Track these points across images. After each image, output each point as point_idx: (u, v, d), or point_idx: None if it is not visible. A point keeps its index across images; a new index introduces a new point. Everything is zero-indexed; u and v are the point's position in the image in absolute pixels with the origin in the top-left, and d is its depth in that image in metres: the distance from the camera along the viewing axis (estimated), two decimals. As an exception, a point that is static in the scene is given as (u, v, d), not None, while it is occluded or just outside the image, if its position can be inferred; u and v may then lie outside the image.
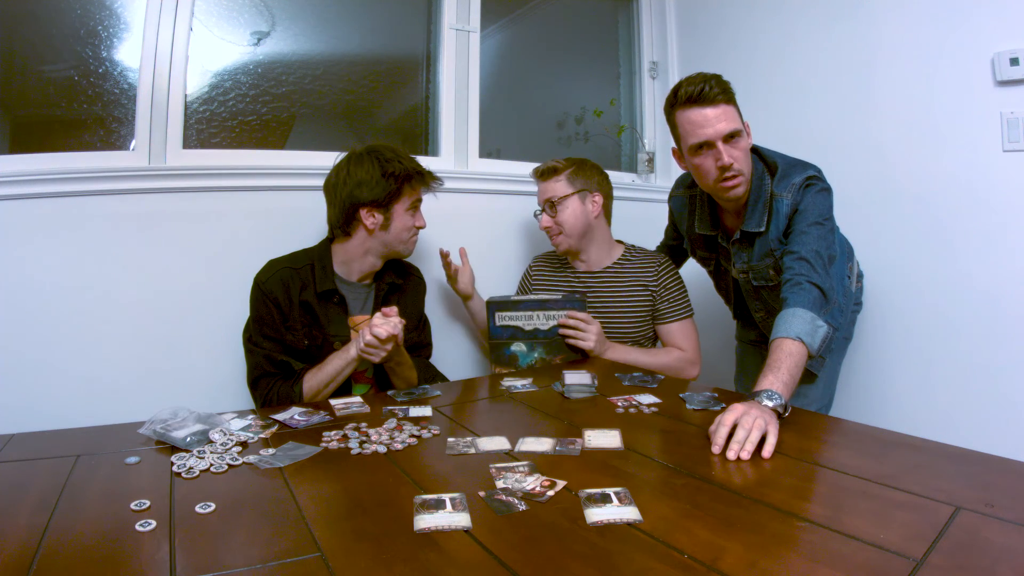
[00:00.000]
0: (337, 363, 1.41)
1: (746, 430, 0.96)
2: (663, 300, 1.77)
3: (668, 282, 1.78)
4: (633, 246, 1.88)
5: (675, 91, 1.38)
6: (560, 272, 1.90)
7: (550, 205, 1.81)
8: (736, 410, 1.01)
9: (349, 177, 1.51)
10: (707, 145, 1.36)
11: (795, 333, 1.19)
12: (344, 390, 1.47)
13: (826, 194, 1.40)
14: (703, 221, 1.59)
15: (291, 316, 1.47)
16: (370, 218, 1.52)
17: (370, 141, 1.58)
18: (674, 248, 1.91)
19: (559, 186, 1.80)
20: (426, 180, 1.59)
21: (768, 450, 0.95)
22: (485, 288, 1.97)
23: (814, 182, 1.39)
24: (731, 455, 0.94)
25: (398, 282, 1.64)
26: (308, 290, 1.50)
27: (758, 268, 1.50)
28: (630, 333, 1.79)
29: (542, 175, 1.85)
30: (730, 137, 1.35)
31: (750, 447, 0.94)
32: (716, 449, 0.97)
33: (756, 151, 1.47)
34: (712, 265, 1.70)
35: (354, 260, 1.57)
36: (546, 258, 1.97)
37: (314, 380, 1.42)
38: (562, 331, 1.67)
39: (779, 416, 1.05)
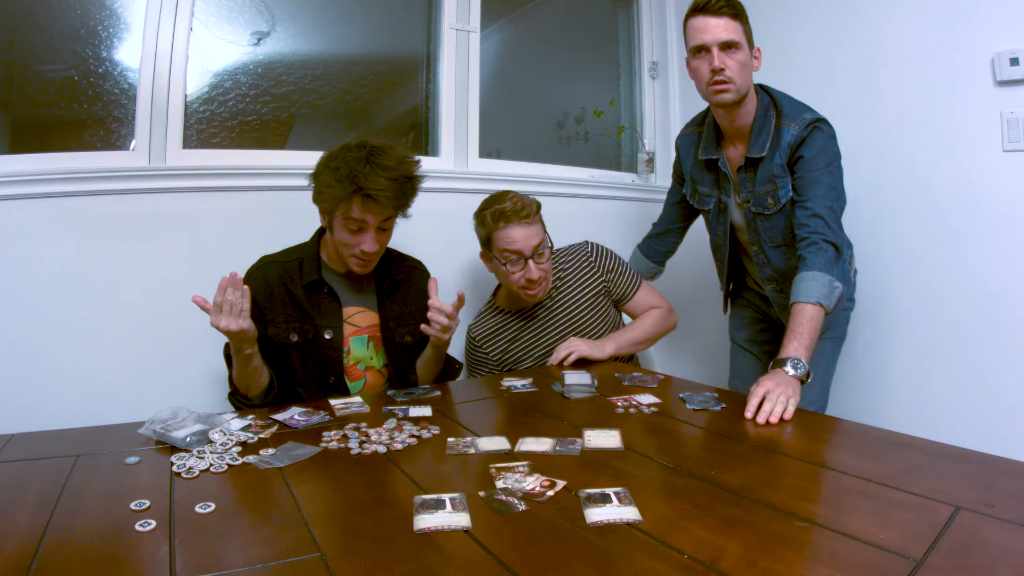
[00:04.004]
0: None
1: (772, 403, 1.14)
2: (616, 284, 1.77)
3: (609, 264, 1.78)
4: (554, 250, 1.77)
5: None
6: (508, 328, 1.77)
7: (539, 253, 1.63)
8: (765, 384, 1.18)
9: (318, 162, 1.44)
10: (704, 49, 1.46)
11: (815, 298, 1.31)
12: (343, 389, 1.47)
13: (834, 140, 1.48)
14: (708, 146, 1.64)
15: (272, 310, 1.44)
16: (322, 214, 1.47)
17: (375, 137, 1.45)
18: (674, 212, 1.89)
19: (541, 229, 1.66)
20: (377, 202, 1.35)
21: (788, 414, 1.14)
22: (482, 288, 1.96)
23: (822, 126, 1.47)
24: (760, 420, 1.13)
25: (399, 278, 1.57)
26: (296, 284, 1.46)
27: (758, 194, 1.54)
28: (600, 328, 1.77)
29: (528, 217, 1.62)
30: (727, 47, 1.44)
31: (775, 417, 1.13)
32: (749, 415, 1.14)
33: (764, 89, 1.55)
34: (712, 204, 1.69)
35: (334, 252, 1.50)
36: (482, 324, 1.81)
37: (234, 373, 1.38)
38: (557, 364, 1.61)
39: (802, 382, 1.23)
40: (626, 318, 1.87)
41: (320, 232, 1.55)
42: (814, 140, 1.45)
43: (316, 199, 1.43)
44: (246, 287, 1.25)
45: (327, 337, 1.46)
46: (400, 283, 1.57)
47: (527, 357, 1.76)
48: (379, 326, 1.52)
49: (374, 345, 1.52)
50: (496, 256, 1.66)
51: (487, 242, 1.68)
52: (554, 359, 1.63)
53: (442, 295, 1.42)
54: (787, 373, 1.22)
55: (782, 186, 1.49)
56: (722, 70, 1.43)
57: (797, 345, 1.26)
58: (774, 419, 1.12)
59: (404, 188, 1.39)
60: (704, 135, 1.65)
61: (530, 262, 1.62)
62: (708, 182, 1.68)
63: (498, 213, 1.62)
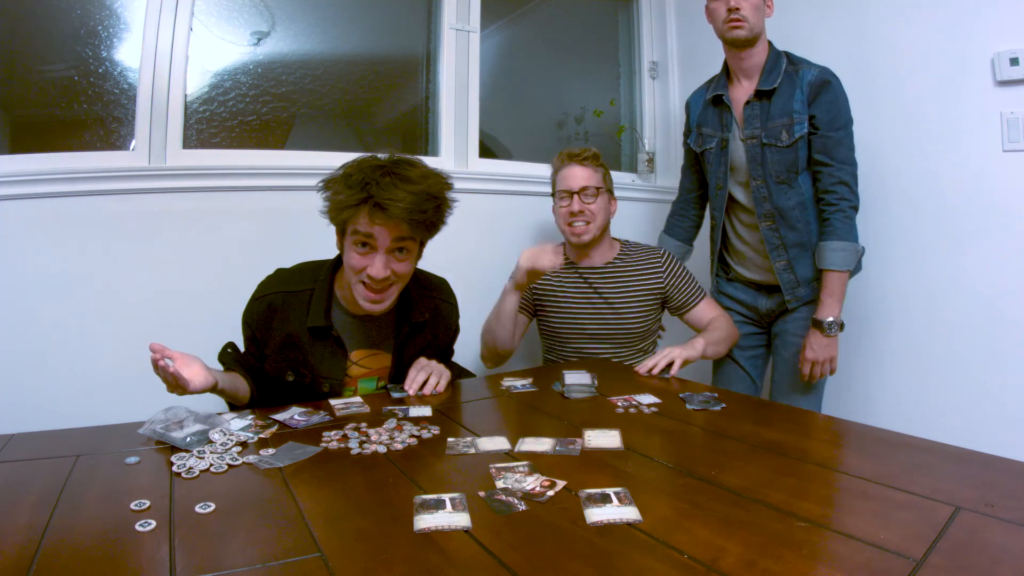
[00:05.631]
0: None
1: (820, 366, 1.64)
2: (680, 290, 1.79)
3: (677, 271, 1.80)
4: (628, 241, 1.87)
5: None
6: (559, 273, 1.85)
7: (586, 192, 1.76)
8: (812, 351, 1.64)
9: None
10: None
11: (844, 266, 1.61)
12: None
13: (848, 100, 1.63)
14: (717, 86, 1.78)
15: (269, 344, 1.33)
16: (337, 236, 1.30)
17: (372, 142, 1.40)
18: (688, 179, 1.96)
19: (598, 176, 1.79)
20: (387, 212, 1.16)
21: (832, 371, 1.67)
22: (482, 289, 1.96)
23: (837, 83, 1.61)
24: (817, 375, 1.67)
25: (422, 319, 1.40)
26: (300, 325, 1.31)
27: (772, 127, 1.65)
28: (635, 327, 1.79)
29: (587, 159, 1.78)
30: None
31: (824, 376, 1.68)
32: (804, 377, 1.66)
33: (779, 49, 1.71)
34: (715, 143, 1.77)
35: (348, 289, 1.32)
36: None
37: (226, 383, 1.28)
38: (657, 372, 1.52)
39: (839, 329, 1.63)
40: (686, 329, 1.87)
41: (337, 263, 1.39)
42: (834, 95, 1.60)
43: (327, 211, 1.25)
44: (170, 354, 1.14)
45: (325, 390, 1.35)
46: (424, 325, 1.42)
47: (554, 309, 1.83)
48: (391, 367, 1.42)
49: (384, 382, 1.44)
50: (554, 196, 1.83)
51: (553, 185, 1.85)
52: (655, 367, 1.50)
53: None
54: (826, 334, 1.62)
55: (798, 122, 1.61)
56: (737, 9, 1.60)
57: (832, 302, 1.61)
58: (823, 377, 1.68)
59: (424, 205, 1.20)
60: (716, 82, 1.79)
61: (575, 197, 1.75)
62: (713, 122, 1.79)
63: (564, 153, 1.82)
